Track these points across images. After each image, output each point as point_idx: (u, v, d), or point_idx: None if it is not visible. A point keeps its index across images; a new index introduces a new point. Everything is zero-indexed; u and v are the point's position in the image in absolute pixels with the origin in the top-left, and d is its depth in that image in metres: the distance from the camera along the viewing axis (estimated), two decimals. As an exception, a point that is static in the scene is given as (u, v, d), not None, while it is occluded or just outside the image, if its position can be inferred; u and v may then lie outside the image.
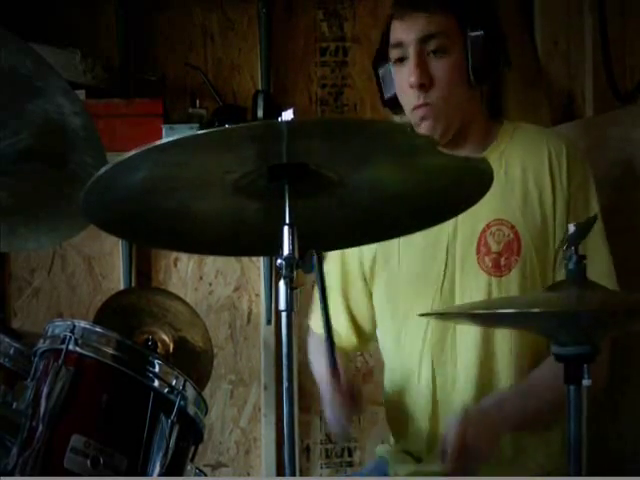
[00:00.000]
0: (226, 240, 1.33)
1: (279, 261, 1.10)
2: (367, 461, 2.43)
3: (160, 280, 2.45)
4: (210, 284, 2.48)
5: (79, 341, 1.38)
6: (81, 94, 2.13)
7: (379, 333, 1.76)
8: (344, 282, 1.74)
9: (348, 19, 2.52)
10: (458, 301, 1.57)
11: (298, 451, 2.43)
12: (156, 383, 1.38)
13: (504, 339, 1.55)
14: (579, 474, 1.13)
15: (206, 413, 1.49)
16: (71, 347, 1.37)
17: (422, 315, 1.40)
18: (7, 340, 1.55)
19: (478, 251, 1.57)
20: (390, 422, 1.74)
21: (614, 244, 1.57)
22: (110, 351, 1.38)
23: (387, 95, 1.63)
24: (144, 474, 1.35)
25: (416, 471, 1.62)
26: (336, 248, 1.60)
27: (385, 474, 1.70)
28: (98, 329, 1.41)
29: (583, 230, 1.14)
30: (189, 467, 1.49)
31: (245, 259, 2.46)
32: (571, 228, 1.14)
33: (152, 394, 1.37)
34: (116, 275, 2.43)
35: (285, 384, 1.10)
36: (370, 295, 1.73)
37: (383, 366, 1.75)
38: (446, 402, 1.60)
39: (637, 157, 1.82)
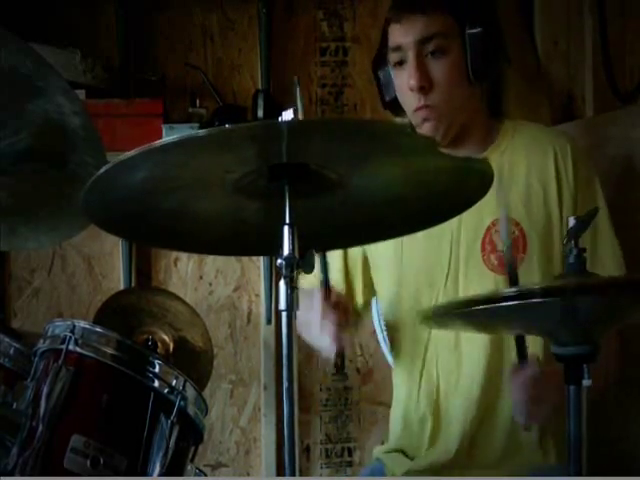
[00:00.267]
0: (226, 240, 1.33)
1: (279, 261, 1.10)
2: (367, 461, 2.43)
3: (160, 280, 2.45)
4: (210, 284, 2.47)
5: (79, 341, 1.38)
6: (81, 94, 2.13)
7: (381, 333, 1.76)
8: (345, 256, 1.74)
9: (348, 19, 2.52)
10: None
11: (298, 451, 2.43)
12: (156, 383, 1.38)
13: (511, 337, 1.54)
14: (579, 474, 1.13)
15: (206, 413, 1.49)
16: (71, 347, 1.37)
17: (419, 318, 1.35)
18: (7, 340, 1.55)
19: (483, 249, 1.57)
20: (392, 422, 1.74)
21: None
22: (110, 351, 1.38)
23: (387, 98, 1.63)
24: (144, 474, 1.35)
25: (410, 469, 1.62)
26: (336, 248, 1.61)
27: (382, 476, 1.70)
28: (98, 329, 1.41)
29: (584, 223, 1.13)
30: (189, 467, 1.48)
31: (245, 259, 2.45)
32: (571, 221, 1.13)
33: (152, 394, 1.37)
34: (116, 275, 2.42)
35: (285, 384, 1.10)
36: (369, 270, 1.72)
37: (383, 366, 1.75)
38: (449, 401, 1.60)
39: (637, 156, 1.83)
